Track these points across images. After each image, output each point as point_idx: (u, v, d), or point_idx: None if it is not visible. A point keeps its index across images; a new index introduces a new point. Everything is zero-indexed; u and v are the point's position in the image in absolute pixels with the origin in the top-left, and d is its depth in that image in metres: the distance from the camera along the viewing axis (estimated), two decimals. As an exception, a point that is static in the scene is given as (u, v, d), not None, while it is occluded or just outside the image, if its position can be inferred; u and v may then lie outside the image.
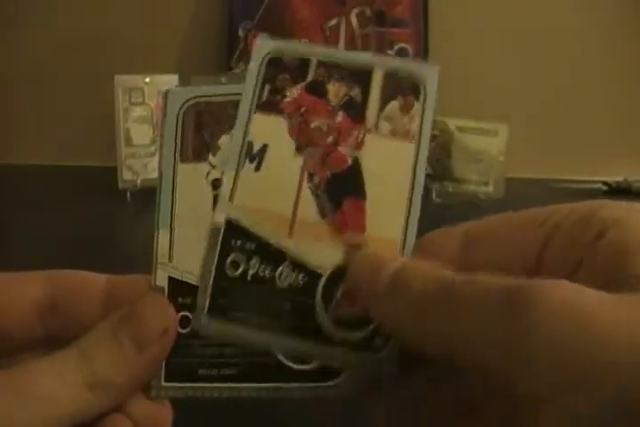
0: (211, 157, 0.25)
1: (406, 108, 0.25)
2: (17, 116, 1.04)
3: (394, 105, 0.25)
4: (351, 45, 0.98)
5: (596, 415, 0.16)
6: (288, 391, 0.23)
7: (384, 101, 0.24)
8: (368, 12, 0.98)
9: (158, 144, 0.25)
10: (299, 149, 0.24)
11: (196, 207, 0.25)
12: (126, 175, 0.85)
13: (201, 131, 0.25)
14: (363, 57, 0.25)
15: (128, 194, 0.85)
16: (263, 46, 0.26)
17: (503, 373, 0.18)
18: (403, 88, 0.25)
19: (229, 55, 0.98)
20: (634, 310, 0.16)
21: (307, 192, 0.24)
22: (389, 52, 0.98)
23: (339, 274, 0.23)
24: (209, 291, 0.24)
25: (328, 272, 0.23)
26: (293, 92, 0.25)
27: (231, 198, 0.24)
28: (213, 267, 0.24)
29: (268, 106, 0.25)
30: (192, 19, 1.01)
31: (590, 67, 1.00)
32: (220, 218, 0.24)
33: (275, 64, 0.25)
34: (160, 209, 0.24)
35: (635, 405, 0.15)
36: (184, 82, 0.91)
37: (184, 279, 0.24)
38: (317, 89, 0.24)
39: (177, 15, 1.01)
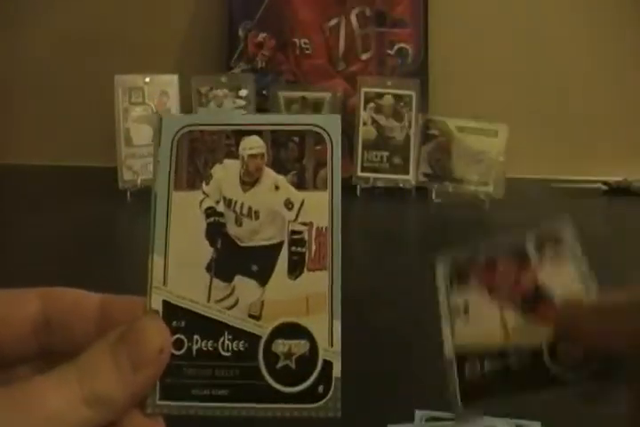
0: (204, 185, 0.26)
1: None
2: (17, 116, 1.04)
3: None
4: (351, 45, 0.98)
5: None
6: (276, 412, 0.24)
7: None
8: (368, 12, 0.98)
9: (152, 170, 0.26)
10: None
11: (190, 234, 0.26)
12: (126, 175, 0.85)
13: (194, 159, 0.26)
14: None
15: (128, 194, 0.85)
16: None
17: None
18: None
19: (229, 55, 0.98)
20: None
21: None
22: (389, 51, 0.98)
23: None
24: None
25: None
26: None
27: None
28: None
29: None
30: (192, 19, 1.01)
31: (590, 67, 1.00)
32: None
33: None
34: (155, 235, 0.25)
35: None
36: (184, 82, 0.91)
37: (178, 303, 0.25)
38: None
39: (177, 15, 1.01)
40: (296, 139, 0.26)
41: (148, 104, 0.87)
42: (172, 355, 0.24)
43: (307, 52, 0.98)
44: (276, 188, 0.26)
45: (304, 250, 0.25)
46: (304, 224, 0.25)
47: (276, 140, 0.26)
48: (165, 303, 0.25)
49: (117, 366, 0.22)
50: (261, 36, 0.98)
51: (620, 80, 1.00)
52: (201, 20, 1.01)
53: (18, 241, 0.72)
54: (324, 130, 0.26)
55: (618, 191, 0.91)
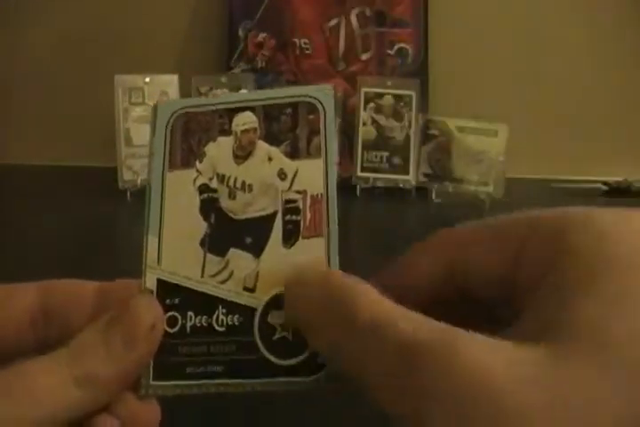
0: (197, 163, 0.26)
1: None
2: (17, 116, 1.04)
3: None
4: (351, 45, 0.98)
5: None
6: (273, 386, 0.24)
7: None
8: (368, 12, 0.98)
9: (148, 154, 0.26)
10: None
11: (184, 212, 0.25)
12: (126, 175, 0.85)
13: (188, 138, 0.26)
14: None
15: (128, 194, 0.85)
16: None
17: (394, 412, 0.18)
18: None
19: (229, 55, 0.98)
20: (529, 378, 0.16)
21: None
22: (389, 51, 0.98)
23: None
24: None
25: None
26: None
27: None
28: None
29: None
30: (192, 19, 1.01)
31: (590, 67, 1.00)
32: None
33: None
34: (149, 216, 0.25)
35: None
36: (184, 81, 0.91)
37: (172, 281, 0.25)
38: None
39: (177, 15, 1.01)
40: (289, 110, 0.26)
41: (148, 104, 0.87)
42: (167, 333, 0.24)
43: (307, 52, 0.98)
44: (269, 159, 0.26)
45: (299, 218, 0.25)
46: (298, 193, 0.25)
47: (269, 113, 0.26)
48: (159, 282, 0.25)
49: (108, 345, 0.22)
50: (261, 36, 0.98)
51: (621, 80, 1.00)
52: (201, 20, 1.01)
53: (18, 241, 0.72)
54: (317, 99, 0.26)
55: (618, 191, 0.91)
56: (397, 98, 0.92)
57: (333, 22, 0.98)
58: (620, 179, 0.92)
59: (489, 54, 1.01)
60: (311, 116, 0.26)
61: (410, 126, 0.91)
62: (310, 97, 0.26)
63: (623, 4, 0.98)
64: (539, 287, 0.19)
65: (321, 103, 0.26)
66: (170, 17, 1.01)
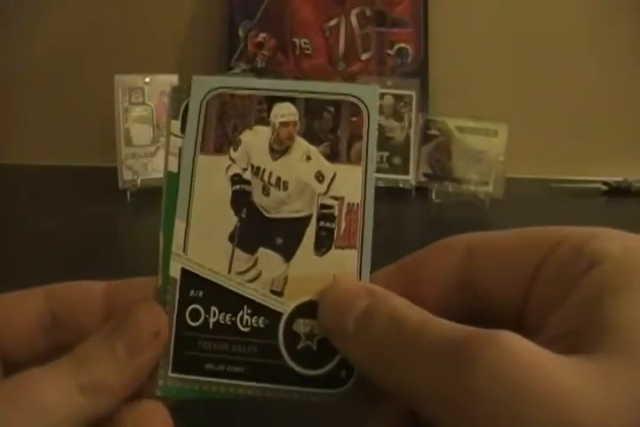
0: (232, 150, 0.25)
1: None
2: (17, 116, 1.04)
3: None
4: (351, 45, 0.98)
5: None
6: (294, 394, 0.23)
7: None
8: (368, 12, 0.98)
9: (162, 139, 0.25)
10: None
11: (214, 201, 0.24)
12: (126, 175, 0.85)
13: (223, 123, 0.25)
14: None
15: (128, 194, 0.85)
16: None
17: (439, 422, 0.18)
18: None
19: (229, 55, 0.98)
20: (576, 381, 0.16)
21: None
22: (389, 51, 0.98)
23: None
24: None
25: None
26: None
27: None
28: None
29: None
30: (192, 19, 1.01)
31: (590, 67, 1.00)
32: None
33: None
34: (178, 198, 0.24)
35: None
36: (184, 82, 0.91)
37: (197, 272, 0.24)
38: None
39: (177, 15, 1.01)
40: (331, 109, 0.25)
41: (148, 104, 0.87)
42: (188, 326, 0.23)
43: (307, 52, 0.98)
44: (308, 158, 0.24)
45: (333, 226, 0.24)
46: (335, 198, 0.24)
47: (310, 108, 0.25)
48: (184, 271, 0.24)
49: (112, 352, 0.22)
50: (261, 36, 0.98)
51: (621, 80, 1.00)
52: (201, 20, 1.01)
53: (17, 241, 0.72)
54: (362, 101, 0.24)
55: (618, 191, 0.91)
56: (397, 98, 0.92)
57: (333, 22, 0.98)
58: (620, 179, 0.92)
59: (489, 54, 1.01)
60: (354, 119, 0.24)
61: (410, 126, 0.91)
62: (354, 97, 0.24)
63: (624, 5, 0.98)
64: (566, 298, 0.19)
65: (365, 105, 0.24)
66: (170, 17, 1.01)
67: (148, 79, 0.87)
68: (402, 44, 0.98)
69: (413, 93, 0.91)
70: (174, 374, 0.23)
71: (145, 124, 0.87)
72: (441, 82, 0.98)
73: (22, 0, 1.00)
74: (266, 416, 0.38)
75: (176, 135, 0.25)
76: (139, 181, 0.85)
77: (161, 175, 0.25)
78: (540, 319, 0.19)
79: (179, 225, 0.24)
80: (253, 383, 0.23)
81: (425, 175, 0.89)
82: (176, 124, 0.25)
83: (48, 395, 0.21)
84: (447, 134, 0.89)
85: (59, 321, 0.25)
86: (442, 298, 0.23)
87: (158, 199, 0.25)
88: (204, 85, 0.25)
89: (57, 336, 0.25)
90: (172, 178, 0.25)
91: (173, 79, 0.88)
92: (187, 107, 0.25)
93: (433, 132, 0.89)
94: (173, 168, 0.25)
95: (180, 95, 0.25)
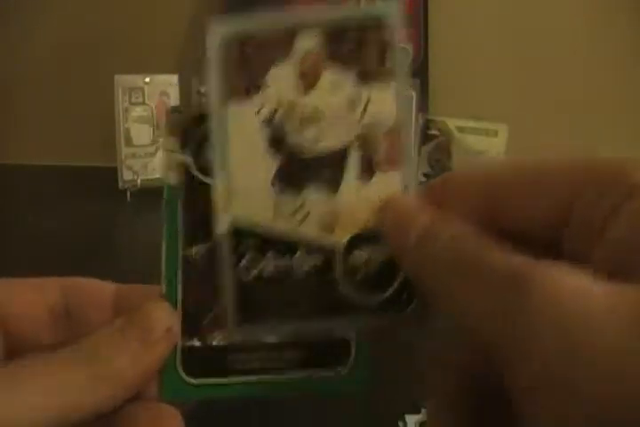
0: (260, 93, 0.24)
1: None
2: (17, 116, 1.04)
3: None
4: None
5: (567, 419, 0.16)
6: (359, 323, 0.23)
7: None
8: (368, 12, 0.98)
9: (204, 84, 0.25)
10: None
11: (251, 149, 0.24)
12: (126, 175, 0.86)
13: (247, 65, 0.24)
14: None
15: (128, 194, 0.85)
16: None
17: (494, 350, 0.17)
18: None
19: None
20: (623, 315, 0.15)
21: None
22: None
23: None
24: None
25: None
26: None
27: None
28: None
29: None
30: (192, 19, 1.01)
31: (590, 67, 1.00)
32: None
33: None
34: (216, 153, 0.24)
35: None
36: (184, 81, 0.91)
37: (245, 226, 0.24)
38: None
39: (177, 15, 1.01)
40: (354, 32, 0.23)
41: (148, 104, 0.87)
42: (245, 278, 0.23)
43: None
44: (337, 86, 0.24)
45: (372, 152, 0.23)
46: (371, 124, 0.23)
47: (333, 34, 0.23)
48: (232, 227, 0.23)
49: (126, 344, 0.22)
50: (261, 36, 0.98)
51: (621, 80, 1.00)
52: (201, 20, 1.01)
53: (17, 241, 0.72)
54: (385, 17, 0.24)
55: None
56: (397, 98, 0.92)
57: (333, 22, 0.98)
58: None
59: (489, 54, 1.01)
60: (379, 35, 0.24)
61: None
62: (376, 16, 0.24)
63: (624, 4, 0.98)
64: (607, 225, 0.18)
65: (389, 21, 0.24)
66: (170, 17, 1.01)
67: (147, 79, 0.87)
68: (402, 44, 0.98)
69: (413, 93, 0.91)
70: (240, 327, 0.23)
71: (145, 124, 0.87)
72: (441, 82, 0.98)
73: (22, 0, 1.00)
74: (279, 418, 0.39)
75: (174, 151, 0.25)
76: (139, 181, 0.85)
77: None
78: (582, 246, 0.19)
79: (218, 184, 0.24)
80: (317, 318, 0.23)
81: (425, 175, 0.89)
82: (174, 142, 0.25)
83: (62, 382, 0.21)
84: (447, 134, 0.89)
85: (70, 315, 0.25)
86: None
87: (158, 199, 0.25)
88: (220, 30, 0.24)
89: (65, 330, 0.25)
90: (172, 191, 0.25)
91: (173, 79, 0.88)
92: (185, 127, 0.25)
93: (433, 132, 0.89)
94: (174, 181, 0.25)
95: (178, 115, 0.25)
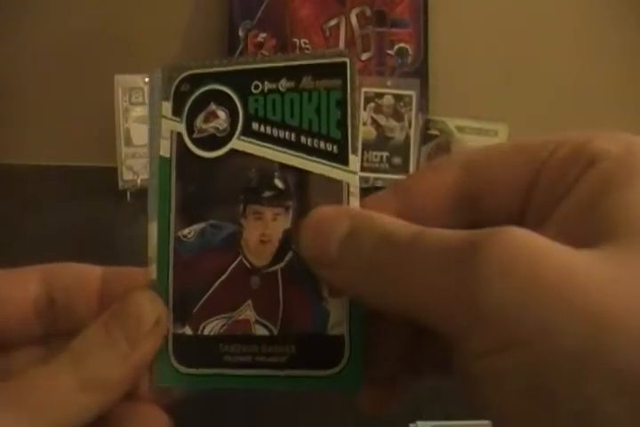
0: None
1: None
2: (17, 116, 1.04)
3: None
4: (351, 45, 0.98)
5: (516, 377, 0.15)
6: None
7: None
8: (368, 12, 0.98)
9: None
10: None
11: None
12: (126, 175, 0.85)
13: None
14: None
15: (128, 194, 0.85)
16: (172, 74, 0.24)
17: (450, 327, 0.17)
18: None
19: (229, 55, 0.98)
20: (590, 271, 0.15)
21: None
22: (389, 52, 0.98)
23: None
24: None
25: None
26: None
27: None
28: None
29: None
30: (192, 19, 1.01)
31: (590, 67, 1.00)
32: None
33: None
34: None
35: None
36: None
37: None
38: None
39: (177, 15, 1.01)
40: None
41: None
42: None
43: (307, 52, 0.98)
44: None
45: None
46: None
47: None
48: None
49: (112, 345, 0.22)
50: (261, 36, 0.98)
51: (621, 80, 1.00)
52: (201, 20, 1.01)
53: (17, 241, 0.72)
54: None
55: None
56: (397, 98, 0.91)
57: (333, 22, 0.98)
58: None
59: (489, 54, 1.00)
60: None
61: (410, 126, 0.91)
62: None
63: (625, 4, 0.98)
64: (567, 196, 0.18)
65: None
66: (170, 17, 1.01)
67: (147, 79, 0.87)
68: (402, 44, 0.98)
69: (413, 93, 0.91)
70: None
71: (145, 124, 0.87)
72: (441, 82, 0.98)
73: (23, 1, 1.00)
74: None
75: (167, 118, 0.24)
76: (139, 181, 0.85)
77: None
78: (543, 219, 0.19)
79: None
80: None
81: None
82: (167, 106, 0.24)
83: (49, 397, 0.20)
84: (447, 134, 0.89)
85: (54, 303, 0.25)
86: (438, 216, 0.21)
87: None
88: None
89: (51, 319, 0.25)
90: (164, 163, 0.24)
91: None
92: (178, 87, 0.24)
93: (433, 132, 0.89)
94: (165, 153, 0.24)
95: (170, 74, 0.24)
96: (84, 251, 0.69)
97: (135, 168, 0.86)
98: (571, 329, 0.15)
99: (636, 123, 1.01)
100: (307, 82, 0.23)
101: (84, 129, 1.02)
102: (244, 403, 0.42)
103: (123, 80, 0.86)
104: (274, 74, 0.23)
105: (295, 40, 0.98)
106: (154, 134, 0.24)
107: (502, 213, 0.21)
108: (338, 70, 0.23)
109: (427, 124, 0.90)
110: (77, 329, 0.22)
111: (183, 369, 0.23)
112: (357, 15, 0.98)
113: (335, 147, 0.23)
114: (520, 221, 0.20)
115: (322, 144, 0.23)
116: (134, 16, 1.01)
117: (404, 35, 0.98)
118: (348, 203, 0.23)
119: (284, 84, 0.23)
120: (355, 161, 0.23)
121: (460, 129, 0.88)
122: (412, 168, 0.90)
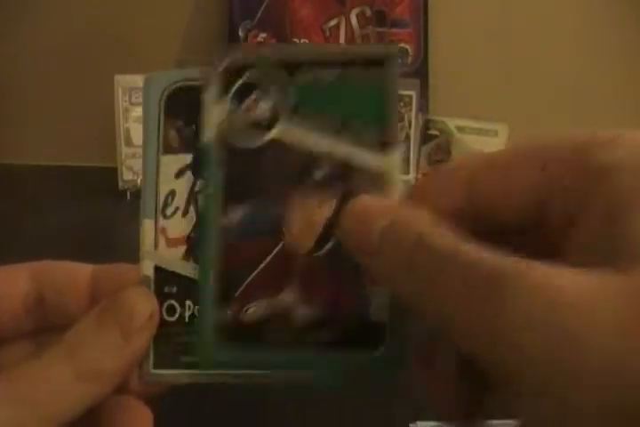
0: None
1: None
2: (17, 116, 1.04)
3: None
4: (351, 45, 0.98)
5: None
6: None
7: None
8: (368, 12, 0.98)
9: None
10: None
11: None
12: (126, 175, 0.86)
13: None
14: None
15: (128, 194, 0.85)
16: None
17: (467, 345, 0.17)
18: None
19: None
20: (607, 304, 0.15)
21: None
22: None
23: None
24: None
25: None
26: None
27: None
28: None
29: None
30: (192, 19, 1.01)
31: (590, 66, 1.00)
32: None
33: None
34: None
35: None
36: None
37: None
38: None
39: (177, 15, 1.01)
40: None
41: (148, 104, 0.87)
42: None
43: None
44: None
45: None
46: None
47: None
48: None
49: (107, 337, 0.22)
50: (261, 36, 0.98)
51: (622, 80, 1.00)
52: (201, 20, 1.01)
53: (17, 241, 0.72)
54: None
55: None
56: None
57: (333, 22, 0.98)
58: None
59: (489, 54, 1.01)
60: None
61: (410, 126, 0.91)
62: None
63: (625, 5, 0.98)
64: (582, 207, 0.18)
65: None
66: (170, 17, 1.01)
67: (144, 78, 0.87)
68: (402, 44, 0.98)
69: (413, 93, 0.91)
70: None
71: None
72: (441, 82, 0.98)
73: (23, 1, 1.00)
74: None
75: (211, 104, 0.24)
76: (139, 181, 0.85)
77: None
78: (561, 226, 0.19)
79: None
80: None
81: (425, 175, 0.89)
82: (211, 91, 0.24)
83: (46, 387, 0.21)
84: (447, 134, 0.89)
85: (44, 300, 0.25)
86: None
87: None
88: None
89: (41, 316, 0.25)
90: (208, 151, 0.24)
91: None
92: (223, 75, 0.24)
93: (433, 132, 0.89)
94: (209, 141, 0.24)
95: (230, 75, 0.24)
96: (84, 251, 0.69)
97: (135, 168, 0.86)
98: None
99: (636, 123, 1.01)
100: (352, 73, 0.23)
101: (84, 129, 1.02)
102: (244, 403, 0.42)
103: (123, 80, 0.86)
104: (319, 64, 0.24)
105: (295, 40, 0.98)
106: (148, 133, 0.25)
107: (515, 220, 0.20)
108: (383, 63, 0.23)
109: (427, 125, 0.90)
110: (68, 326, 0.23)
111: (224, 356, 0.24)
112: (357, 15, 0.98)
113: (377, 137, 0.23)
114: (537, 225, 0.20)
115: (364, 134, 0.23)
116: (134, 16, 1.01)
117: (404, 35, 0.98)
118: (390, 193, 0.23)
119: (328, 74, 0.23)
120: (397, 152, 0.23)
121: (460, 129, 0.88)
122: (411, 168, 0.90)
